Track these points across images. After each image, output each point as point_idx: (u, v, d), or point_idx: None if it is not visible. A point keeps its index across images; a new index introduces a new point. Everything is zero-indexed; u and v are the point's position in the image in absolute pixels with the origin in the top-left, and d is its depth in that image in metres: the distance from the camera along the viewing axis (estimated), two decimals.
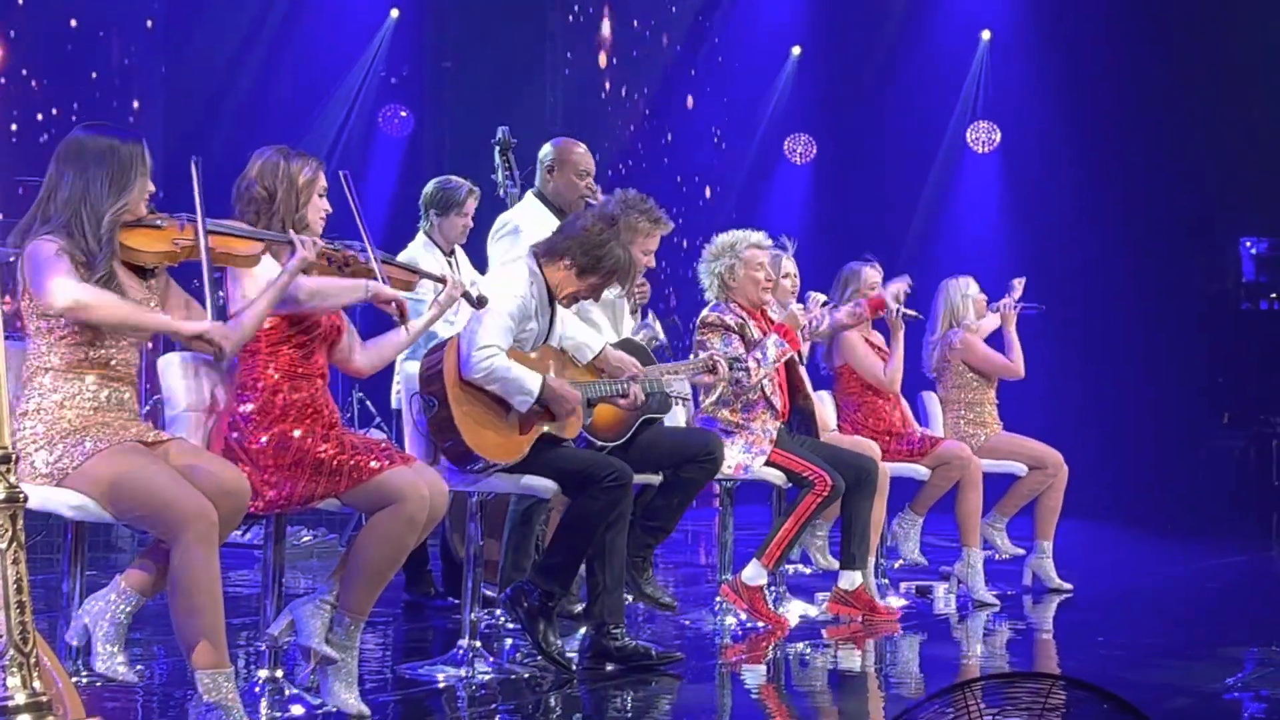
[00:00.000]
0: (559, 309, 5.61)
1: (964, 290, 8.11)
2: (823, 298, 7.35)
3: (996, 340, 8.14)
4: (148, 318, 4.17)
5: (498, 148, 6.97)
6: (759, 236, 6.83)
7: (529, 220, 6.34)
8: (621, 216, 5.88)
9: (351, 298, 4.64)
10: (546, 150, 6.59)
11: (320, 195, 4.68)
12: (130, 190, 4.16)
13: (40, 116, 11.05)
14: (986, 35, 14.66)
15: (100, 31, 11.64)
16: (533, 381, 5.28)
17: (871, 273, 7.66)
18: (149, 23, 11.99)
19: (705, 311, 6.78)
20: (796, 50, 15.01)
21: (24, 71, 11.08)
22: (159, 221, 4.25)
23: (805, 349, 7.32)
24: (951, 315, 8.09)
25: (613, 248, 5.49)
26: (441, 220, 6.90)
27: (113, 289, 4.10)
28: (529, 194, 6.60)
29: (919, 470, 7.51)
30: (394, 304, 4.68)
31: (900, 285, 7.51)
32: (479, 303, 5.08)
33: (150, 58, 11.98)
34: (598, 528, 5.42)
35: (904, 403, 7.79)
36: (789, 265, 7.09)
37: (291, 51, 12.92)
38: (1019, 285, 8.21)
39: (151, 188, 4.25)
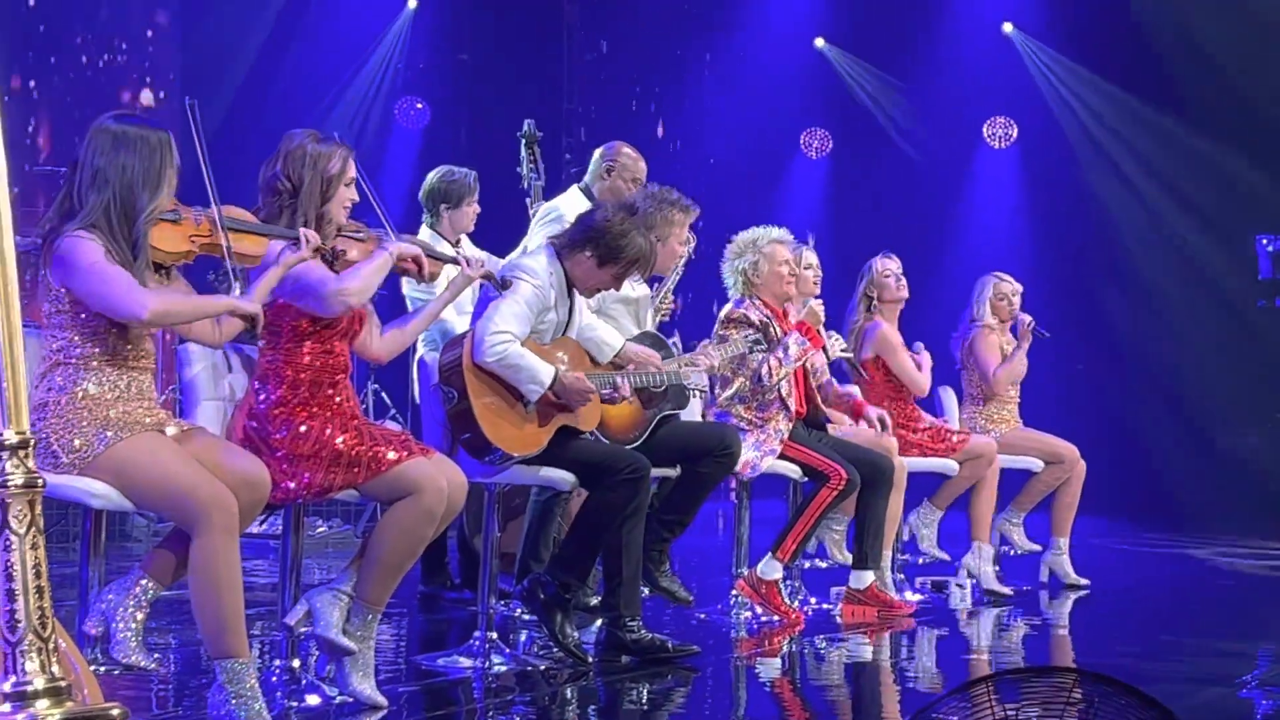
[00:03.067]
0: (578, 300, 5.60)
1: (991, 290, 8.05)
2: (842, 343, 7.23)
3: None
4: (214, 304, 4.23)
5: (523, 140, 6.97)
6: (780, 232, 6.82)
7: (574, 212, 6.35)
8: (644, 207, 5.87)
9: (382, 275, 4.60)
10: (605, 152, 6.64)
11: (347, 185, 4.64)
12: (161, 189, 4.12)
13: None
14: (1009, 28, 14.62)
15: (115, 21, 11.64)
16: (545, 372, 5.26)
17: (888, 263, 7.62)
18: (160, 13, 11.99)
19: (729, 307, 6.77)
20: (821, 42, 14.96)
21: (51, 59, 11.08)
22: (176, 214, 4.19)
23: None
24: (976, 311, 8.07)
25: (634, 237, 5.47)
26: (453, 212, 6.86)
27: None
28: (574, 188, 6.63)
29: (950, 465, 7.47)
30: (414, 261, 4.66)
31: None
32: (504, 285, 5.08)
33: (165, 45, 11.98)
34: (615, 520, 5.41)
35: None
36: (810, 257, 7.02)
37: (307, 40, 12.89)
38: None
39: (175, 181, 4.20)
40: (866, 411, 6.85)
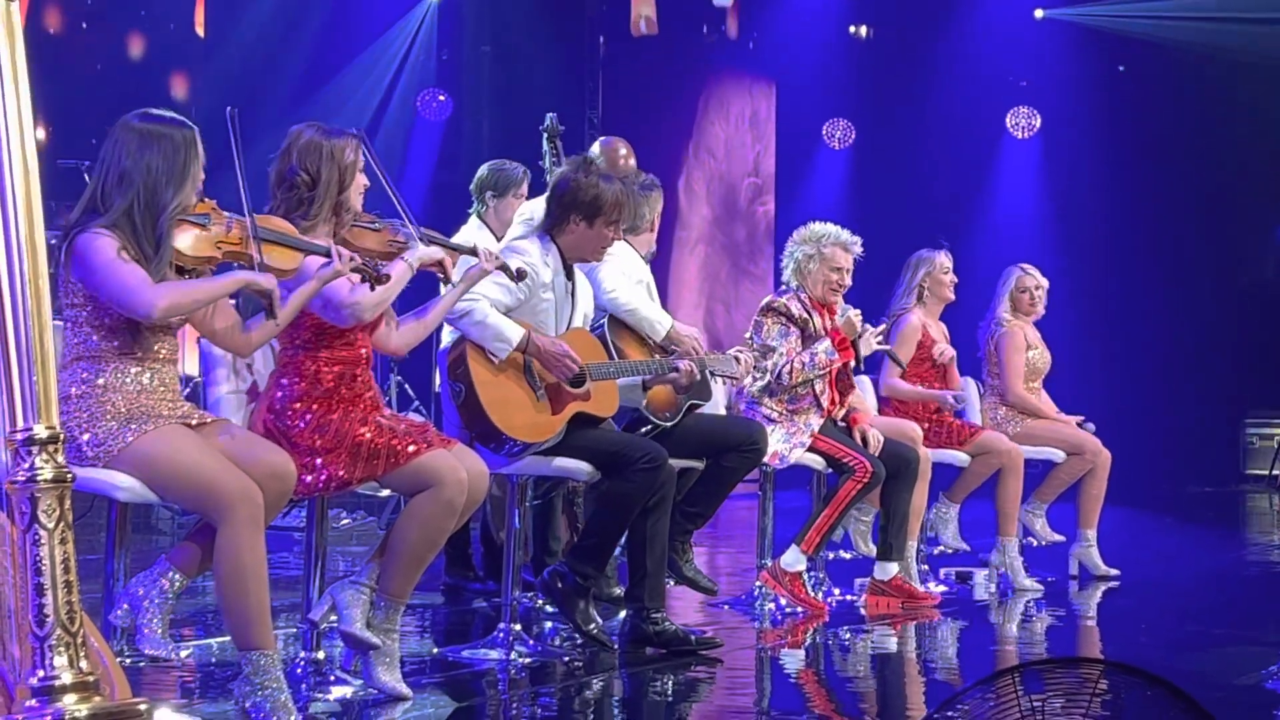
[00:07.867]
0: (580, 282, 5.59)
1: (1014, 283, 8.01)
2: (879, 337, 7.18)
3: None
4: (225, 283, 4.13)
5: (545, 134, 6.98)
6: (849, 237, 6.80)
7: None
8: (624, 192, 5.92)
9: (400, 287, 4.58)
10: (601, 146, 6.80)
11: (362, 171, 4.64)
12: (185, 185, 4.09)
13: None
14: (1040, 13, 14.58)
15: (138, 12, 11.67)
16: (513, 331, 5.21)
17: (943, 259, 7.60)
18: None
19: (771, 296, 6.78)
20: (861, 29, 14.94)
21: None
22: (206, 219, 4.16)
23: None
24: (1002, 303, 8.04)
25: (603, 185, 5.47)
26: (498, 202, 6.90)
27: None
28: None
29: (959, 456, 7.46)
30: (439, 265, 4.66)
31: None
32: (518, 275, 5.06)
33: (187, 38, 11.98)
34: (632, 509, 5.40)
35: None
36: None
37: (330, 32, 12.88)
38: None
39: (202, 176, 4.18)
40: (858, 428, 6.82)
